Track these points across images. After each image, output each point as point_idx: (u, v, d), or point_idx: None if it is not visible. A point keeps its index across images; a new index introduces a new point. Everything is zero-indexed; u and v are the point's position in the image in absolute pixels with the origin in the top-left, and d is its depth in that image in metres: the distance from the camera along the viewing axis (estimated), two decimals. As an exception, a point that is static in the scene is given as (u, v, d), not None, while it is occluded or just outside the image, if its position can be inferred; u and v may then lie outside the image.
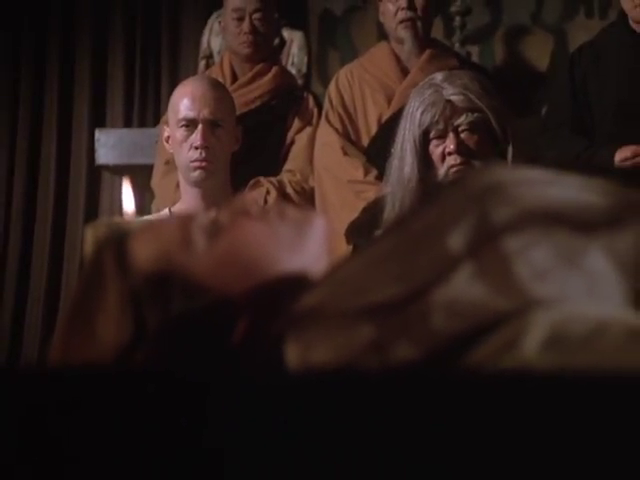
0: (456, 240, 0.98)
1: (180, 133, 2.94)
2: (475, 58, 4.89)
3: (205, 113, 2.93)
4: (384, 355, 0.94)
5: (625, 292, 0.95)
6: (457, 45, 4.70)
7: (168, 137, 3.01)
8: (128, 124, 4.95)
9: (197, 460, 0.73)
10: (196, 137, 2.92)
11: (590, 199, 1.00)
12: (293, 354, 1.00)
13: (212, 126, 2.94)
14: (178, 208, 3.05)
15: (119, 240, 1.14)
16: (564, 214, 0.99)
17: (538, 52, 5.04)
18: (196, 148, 2.92)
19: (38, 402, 0.76)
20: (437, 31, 4.21)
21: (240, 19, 3.76)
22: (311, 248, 1.13)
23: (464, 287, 0.95)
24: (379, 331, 0.95)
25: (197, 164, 2.93)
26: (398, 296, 0.96)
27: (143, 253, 1.12)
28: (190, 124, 2.94)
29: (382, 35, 4.10)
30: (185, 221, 1.14)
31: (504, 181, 1.02)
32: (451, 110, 2.70)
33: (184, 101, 2.95)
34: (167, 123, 3.06)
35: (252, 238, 1.12)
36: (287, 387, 0.79)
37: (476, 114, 2.70)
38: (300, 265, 1.11)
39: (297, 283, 1.08)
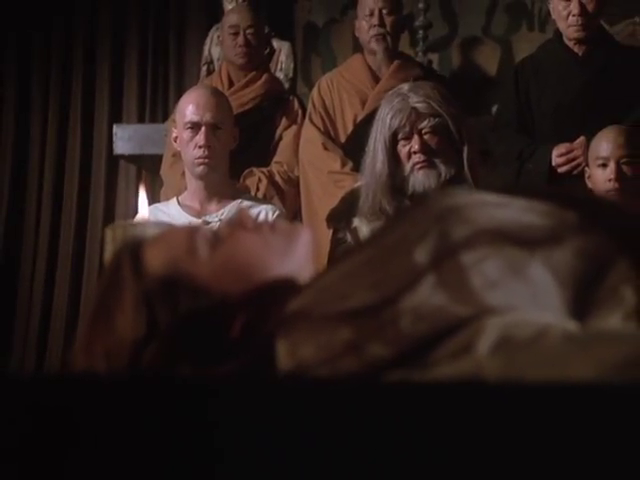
0: (421, 254, 0.98)
1: (186, 134, 2.93)
2: (435, 65, 4.86)
3: (207, 117, 2.91)
4: (360, 354, 0.94)
5: (562, 300, 0.96)
6: (420, 54, 4.67)
7: (176, 137, 2.99)
8: (141, 120, 4.91)
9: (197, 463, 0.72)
10: (200, 138, 2.90)
11: (531, 219, 1.00)
12: (283, 350, 0.99)
13: (213, 128, 2.92)
14: (184, 197, 3.03)
15: (134, 248, 1.13)
16: (510, 233, 0.99)
17: (488, 59, 5.03)
18: (200, 147, 2.90)
19: (44, 408, 0.75)
20: (404, 42, 4.19)
21: (236, 34, 3.76)
22: (298, 257, 1.13)
23: (428, 295, 0.95)
24: (356, 333, 0.95)
25: (201, 160, 2.92)
26: (372, 302, 0.96)
27: (155, 260, 1.11)
28: (195, 127, 2.92)
29: (357, 44, 4.07)
30: (191, 232, 1.13)
31: (461, 204, 1.02)
32: (416, 116, 2.70)
33: (190, 107, 2.94)
34: (175, 125, 3.04)
35: (248, 248, 1.12)
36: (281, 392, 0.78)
37: (437, 119, 2.70)
38: (289, 271, 1.11)
39: (286, 287, 1.08)
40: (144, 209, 1.48)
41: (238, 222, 1.13)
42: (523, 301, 0.95)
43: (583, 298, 0.96)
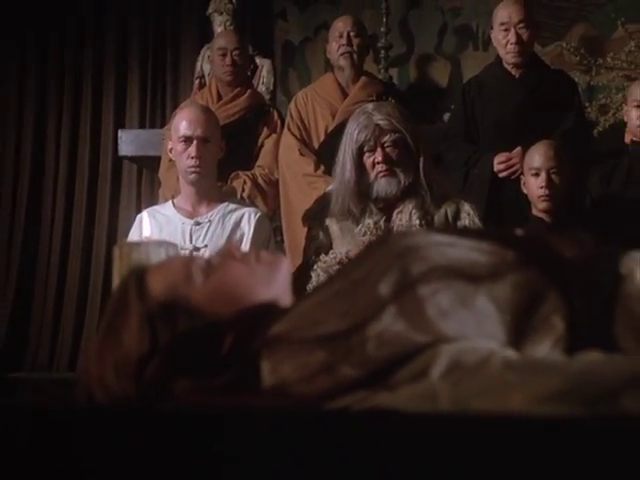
0: (384, 287, 0.98)
1: (180, 146, 2.90)
2: (395, 78, 4.84)
3: (198, 132, 2.88)
4: (333, 374, 0.94)
5: (503, 327, 0.96)
6: (382, 70, 4.65)
7: (171, 149, 2.96)
8: (142, 125, 4.87)
9: None
10: (192, 149, 2.87)
11: (477, 257, 1.00)
12: (266, 368, 0.99)
13: (203, 141, 2.89)
14: (178, 200, 3.00)
15: (139, 275, 1.12)
16: (460, 269, 0.99)
17: (440, 74, 5.01)
18: (192, 158, 2.87)
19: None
20: (369, 59, 4.15)
21: (224, 55, 3.72)
22: (279, 284, 1.12)
23: (390, 323, 0.95)
24: (329, 355, 0.95)
25: (193, 169, 2.89)
26: (342, 329, 0.96)
27: (157, 286, 1.11)
28: (187, 140, 2.89)
29: (328, 59, 4.03)
30: (187, 262, 1.12)
31: (418, 244, 1.01)
32: (379, 131, 2.69)
33: (183, 123, 2.91)
34: (170, 138, 3.01)
35: (236, 276, 1.11)
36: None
37: (397, 134, 2.70)
38: (271, 296, 1.10)
39: (269, 310, 1.08)
40: (147, 230, 1.47)
41: (228, 253, 1.13)
42: (471, 328, 0.95)
43: (521, 325, 0.96)
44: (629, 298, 0.95)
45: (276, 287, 1.11)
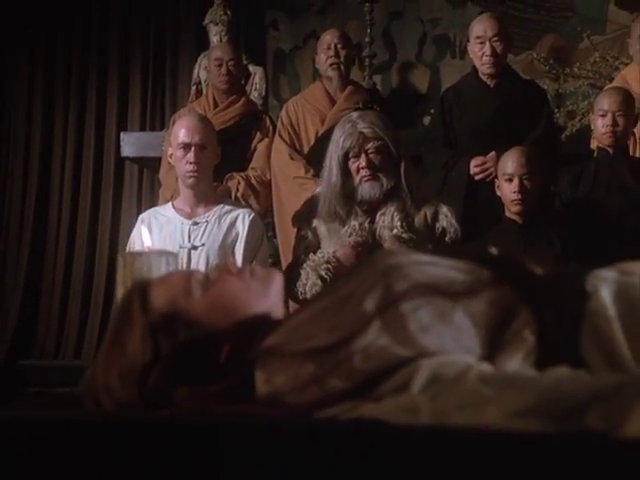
0: (369, 304, 0.98)
1: (179, 152, 2.88)
2: (379, 84, 4.84)
3: (196, 139, 2.87)
4: (322, 385, 0.94)
5: (479, 341, 0.96)
6: (367, 77, 4.65)
7: (171, 154, 2.95)
8: (142, 128, 4.86)
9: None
10: (190, 156, 2.86)
11: (455, 276, 1.00)
12: (260, 378, 0.99)
13: (201, 148, 2.87)
14: (177, 202, 2.99)
15: (143, 289, 1.12)
16: (439, 286, 0.99)
17: (420, 80, 5.02)
18: (190, 163, 2.86)
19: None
20: (355, 67, 4.14)
21: (220, 65, 3.70)
22: (272, 297, 1.12)
23: (375, 337, 0.95)
24: (318, 367, 0.95)
25: (191, 174, 2.88)
26: (330, 343, 0.96)
27: (159, 299, 1.10)
28: (186, 147, 2.87)
29: (316, 69, 4.03)
30: (187, 277, 1.12)
31: (401, 263, 1.01)
32: (363, 139, 2.69)
33: (182, 131, 2.89)
34: (170, 144, 3.00)
35: (232, 290, 1.11)
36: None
37: (380, 142, 2.69)
38: (265, 308, 1.10)
39: (263, 321, 1.08)
40: (147, 240, 1.46)
41: (225, 268, 1.13)
42: (449, 342, 0.95)
43: (494, 339, 0.96)
44: (594, 314, 0.95)
45: (269, 300, 1.11)
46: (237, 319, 1.08)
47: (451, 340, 0.95)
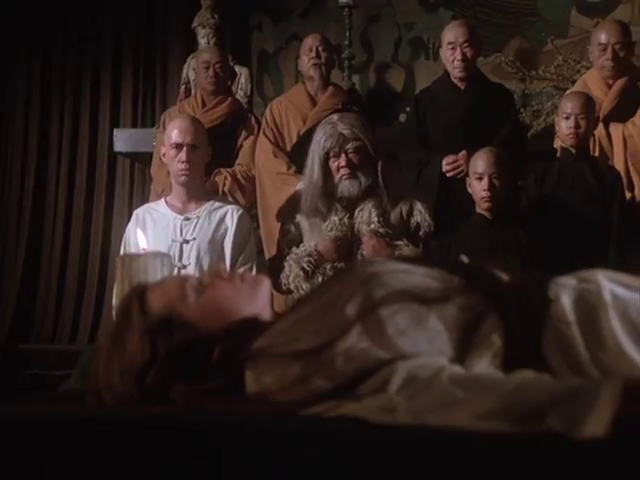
0: (351, 309, 1.00)
1: (172, 152, 2.89)
2: (357, 84, 4.84)
3: (188, 140, 2.87)
4: (307, 385, 0.96)
5: (450, 344, 0.98)
6: (346, 77, 4.65)
7: (164, 153, 2.96)
8: (134, 124, 4.83)
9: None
10: (182, 155, 2.86)
11: (429, 283, 1.02)
12: (250, 378, 1.01)
13: (192, 148, 2.88)
14: (170, 198, 2.99)
15: (141, 293, 1.14)
16: (414, 293, 1.01)
17: (396, 81, 5.02)
18: (182, 162, 2.86)
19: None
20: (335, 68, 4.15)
21: (207, 68, 3.69)
22: (261, 300, 1.13)
23: (356, 341, 0.97)
24: (304, 368, 0.96)
25: (183, 172, 2.88)
26: (315, 345, 0.97)
27: (156, 303, 1.12)
28: (178, 147, 2.88)
29: (299, 70, 4.02)
30: (182, 282, 1.13)
31: (380, 271, 1.03)
32: (342, 139, 2.70)
33: (175, 131, 2.90)
34: (163, 144, 3.00)
35: (224, 294, 1.12)
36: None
37: (358, 142, 2.71)
38: (254, 311, 1.12)
39: (253, 324, 1.10)
40: (143, 242, 1.48)
41: (216, 274, 1.14)
42: (424, 345, 0.97)
43: (465, 342, 0.99)
44: (556, 320, 0.98)
45: (258, 303, 1.13)
46: (228, 322, 1.09)
47: (426, 343, 0.97)
